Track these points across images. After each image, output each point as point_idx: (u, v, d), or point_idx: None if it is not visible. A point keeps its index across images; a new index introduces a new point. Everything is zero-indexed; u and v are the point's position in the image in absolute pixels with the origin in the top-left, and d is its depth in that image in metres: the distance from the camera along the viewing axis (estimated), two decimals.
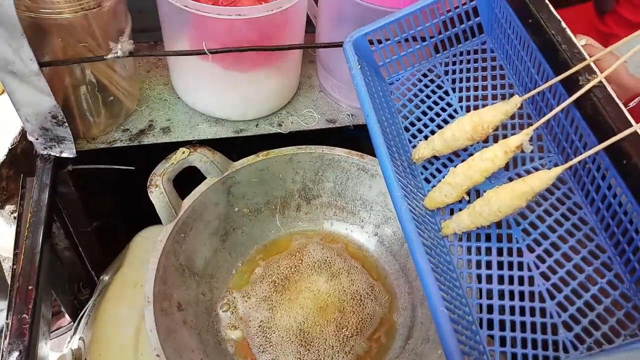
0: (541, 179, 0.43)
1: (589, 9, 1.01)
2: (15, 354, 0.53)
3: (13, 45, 0.54)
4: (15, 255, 0.62)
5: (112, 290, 0.74)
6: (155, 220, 0.67)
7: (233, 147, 0.75)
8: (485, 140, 0.55)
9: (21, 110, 0.61)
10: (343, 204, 0.78)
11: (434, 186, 0.54)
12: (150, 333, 0.56)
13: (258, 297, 0.69)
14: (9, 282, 0.59)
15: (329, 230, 0.79)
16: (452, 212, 0.53)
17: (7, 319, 0.56)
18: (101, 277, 0.82)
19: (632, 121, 0.41)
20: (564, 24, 0.48)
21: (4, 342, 0.55)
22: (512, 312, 0.46)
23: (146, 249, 0.77)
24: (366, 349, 0.67)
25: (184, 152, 0.67)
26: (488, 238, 0.50)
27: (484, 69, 0.60)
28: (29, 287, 0.57)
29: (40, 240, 0.62)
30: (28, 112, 0.61)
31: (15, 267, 0.60)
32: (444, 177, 0.53)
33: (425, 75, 0.63)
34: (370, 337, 0.68)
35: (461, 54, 0.62)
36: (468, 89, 0.60)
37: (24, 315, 0.56)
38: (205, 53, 0.62)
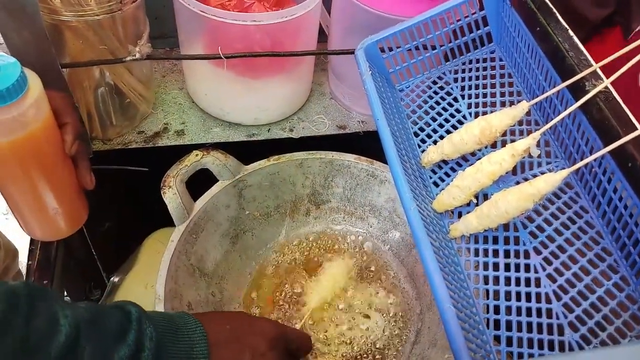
0: (547, 181, 0.44)
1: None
2: None
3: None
4: (30, 251, 0.63)
5: (123, 289, 0.75)
6: (167, 222, 0.68)
7: (245, 151, 0.76)
8: (494, 146, 0.56)
9: None
10: (352, 210, 0.79)
11: (443, 189, 0.54)
12: None
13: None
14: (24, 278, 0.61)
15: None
16: (460, 216, 0.54)
17: None
18: (112, 279, 0.83)
19: (637, 125, 0.41)
20: (571, 32, 0.49)
21: None
22: (519, 313, 0.47)
23: (158, 251, 0.78)
24: None
25: (197, 155, 0.68)
26: (495, 240, 0.51)
27: (493, 76, 0.61)
28: (44, 282, 0.59)
29: None
30: None
31: (30, 262, 0.62)
32: (452, 180, 0.54)
33: (435, 82, 0.64)
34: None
35: (470, 62, 0.64)
36: (477, 96, 0.61)
37: None
38: (220, 57, 0.63)
